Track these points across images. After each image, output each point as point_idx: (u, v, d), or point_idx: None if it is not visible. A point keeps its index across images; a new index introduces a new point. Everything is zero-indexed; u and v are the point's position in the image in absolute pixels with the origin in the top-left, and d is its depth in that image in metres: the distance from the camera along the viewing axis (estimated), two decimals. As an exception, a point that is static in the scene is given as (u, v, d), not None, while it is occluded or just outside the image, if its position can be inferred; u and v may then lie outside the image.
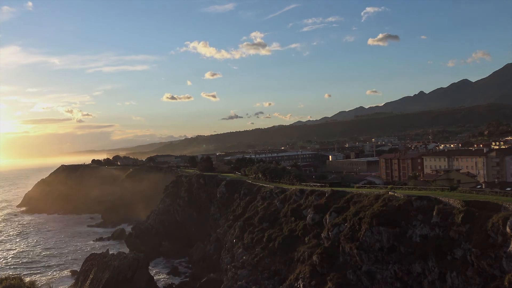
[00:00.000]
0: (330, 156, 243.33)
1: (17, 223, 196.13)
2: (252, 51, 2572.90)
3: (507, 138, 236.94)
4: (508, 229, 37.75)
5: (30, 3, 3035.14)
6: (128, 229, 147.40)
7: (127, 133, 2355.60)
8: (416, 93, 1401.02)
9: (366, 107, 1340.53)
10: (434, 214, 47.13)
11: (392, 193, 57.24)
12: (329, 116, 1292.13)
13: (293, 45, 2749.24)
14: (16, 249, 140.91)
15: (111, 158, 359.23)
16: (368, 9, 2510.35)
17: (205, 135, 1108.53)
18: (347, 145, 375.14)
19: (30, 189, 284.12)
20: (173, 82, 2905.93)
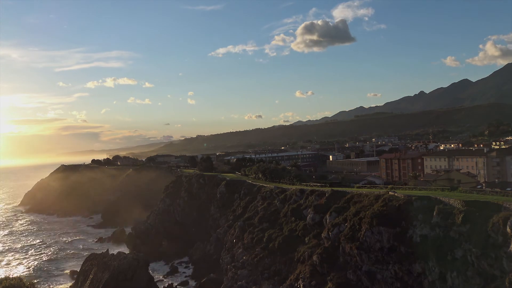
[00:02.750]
0: (330, 156, 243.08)
1: (17, 223, 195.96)
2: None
3: (507, 138, 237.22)
4: (508, 229, 37.66)
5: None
6: (128, 229, 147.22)
7: (116, 133, 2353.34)
8: (416, 93, 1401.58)
9: (366, 107, 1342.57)
10: (434, 214, 47.04)
11: (392, 193, 57.15)
12: (329, 116, 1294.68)
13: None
14: (16, 249, 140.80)
15: (111, 158, 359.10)
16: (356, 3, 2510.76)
17: (205, 135, 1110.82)
18: (347, 145, 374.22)
19: (30, 189, 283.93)
20: (153, 81, 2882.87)
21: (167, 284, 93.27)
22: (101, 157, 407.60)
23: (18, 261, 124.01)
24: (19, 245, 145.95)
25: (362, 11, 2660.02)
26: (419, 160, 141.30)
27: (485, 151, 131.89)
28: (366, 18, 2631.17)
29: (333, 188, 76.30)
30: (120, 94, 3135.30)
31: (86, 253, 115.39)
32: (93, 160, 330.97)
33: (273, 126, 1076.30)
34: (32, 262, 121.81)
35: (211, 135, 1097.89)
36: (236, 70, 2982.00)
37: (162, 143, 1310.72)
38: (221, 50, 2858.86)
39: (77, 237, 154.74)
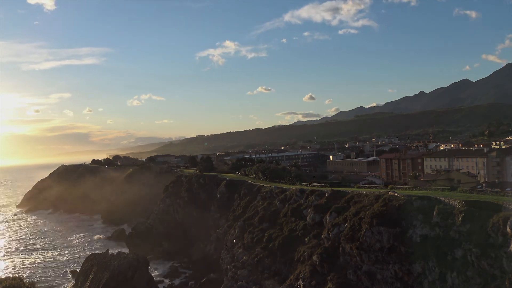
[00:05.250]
0: (330, 156, 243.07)
1: (17, 223, 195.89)
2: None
3: (507, 138, 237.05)
4: (508, 229, 37.69)
5: None
6: (128, 229, 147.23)
7: (105, 133, 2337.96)
8: (416, 93, 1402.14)
9: (366, 107, 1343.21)
10: (434, 214, 47.07)
11: (393, 193, 57.15)
12: (329, 116, 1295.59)
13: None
14: (16, 249, 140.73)
15: (111, 158, 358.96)
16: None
17: (205, 135, 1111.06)
18: (347, 145, 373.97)
19: (29, 189, 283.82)
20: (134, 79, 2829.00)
21: (167, 284, 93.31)
22: (93, 157, 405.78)
23: (17, 262, 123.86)
24: (19, 246, 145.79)
25: (358, 9, 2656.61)
26: (419, 160, 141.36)
27: (485, 151, 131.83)
28: (362, 14, 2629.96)
29: (333, 188, 76.30)
30: (103, 93, 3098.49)
31: (86, 253, 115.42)
32: (93, 160, 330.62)
33: (273, 126, 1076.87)
34: (32, 262, 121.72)
35: (211, 135, 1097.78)
36: (217, 70, 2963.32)
37: (162, 143, 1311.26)
38: (203, 53, 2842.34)
39: (77, 237, 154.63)
